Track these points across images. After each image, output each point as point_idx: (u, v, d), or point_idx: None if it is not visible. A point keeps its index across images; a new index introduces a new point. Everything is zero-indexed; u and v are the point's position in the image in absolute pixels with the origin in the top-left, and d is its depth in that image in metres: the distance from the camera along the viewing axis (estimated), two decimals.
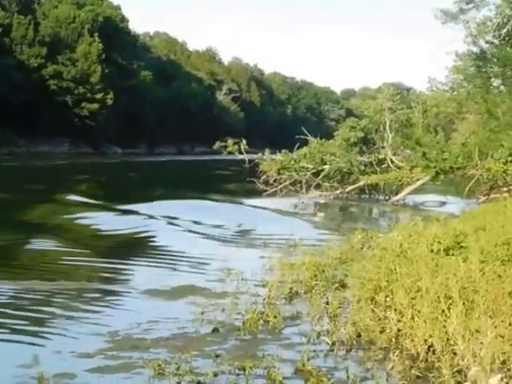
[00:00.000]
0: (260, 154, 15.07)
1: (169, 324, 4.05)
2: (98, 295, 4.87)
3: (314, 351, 3.51)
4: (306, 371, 3.23)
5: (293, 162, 14.50)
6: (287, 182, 14.42)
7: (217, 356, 3.43)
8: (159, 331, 3.90)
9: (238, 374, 3.17)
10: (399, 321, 3.64)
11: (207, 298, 4.64)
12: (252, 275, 5.41)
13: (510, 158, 12.13)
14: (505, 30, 13.52)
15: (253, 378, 3.14)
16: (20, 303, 4.56)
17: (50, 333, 3.93)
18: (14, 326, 4.05)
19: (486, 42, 14.82)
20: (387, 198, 14.05)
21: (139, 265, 6.25)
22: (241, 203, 12.98)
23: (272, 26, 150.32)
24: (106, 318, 4.24)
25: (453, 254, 4.04)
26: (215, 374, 3.14)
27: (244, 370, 3.18)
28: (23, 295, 4.79)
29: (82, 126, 39.24)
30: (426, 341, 3.38)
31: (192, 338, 3.78)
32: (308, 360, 3.32)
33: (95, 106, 39.95)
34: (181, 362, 3.23)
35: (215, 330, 3.93)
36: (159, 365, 3.18)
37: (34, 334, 3.90)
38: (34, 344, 3.72)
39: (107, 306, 4.56)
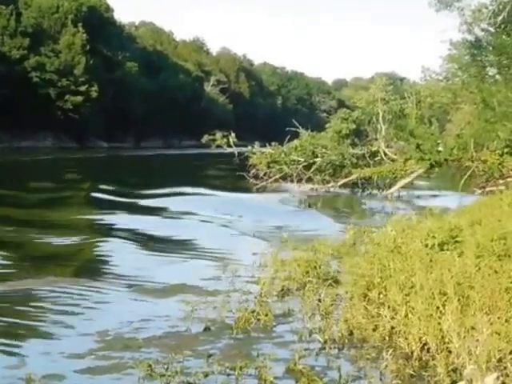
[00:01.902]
0: (250, 147, 14.86)
1: (160, 323, 3.98)
2: (87, 293, 4.76)
3: (306, 350, 3.46)
4: (297, 370, 3.18)
5: (283, 155, 14.37)
6: (277, 176, 14.27)
7: (209, 356, 3.37)
8: (150, 330, 3.83)
9: (228, 374, 3.11)
10: (393, 318, 3.59)
11: (199, 296, 4.57)
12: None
13: (506, 150, 12.06)
14: (500, 18, 13.39)
15: (244, 378, 3.09)
16: (7, 302, 4.45)
17: (39, 333, 3.84)
18: (0, 327, 3.94)
19: (482, 30, 14.68)
20: (381, 191, 13.99)
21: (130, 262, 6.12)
22: None
23: (261, 15, 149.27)
24: (97, 317, 4.15)
25: (448, 249, 3.99)
26: (206, 375, 3.07)
27: (234, 370, 3.12)
28: (11, 294, 4.67)
29: (66, 120, 38.58)
30: (420, 339, 3.33)
31: (184, 337, 3.72)
32: (299, 359, 3.26)
33: (79, 98, 39.28)
34: (172, 362, 3.16)
35: (207, 329, 3.87)
36: (149, 365, 3.11)
37: (22, 334, 3.81)
38: (22, 344, 3.64)
39: (97, 304, 4.46)
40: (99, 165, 27.13)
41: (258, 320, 3.94)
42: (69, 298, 4.57)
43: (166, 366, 3.07)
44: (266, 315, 3.99)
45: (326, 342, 3.56)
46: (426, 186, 15.04)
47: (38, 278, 5.16)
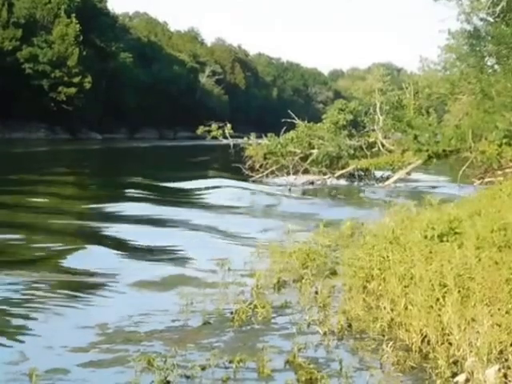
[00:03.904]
0: (245, 139, 14.72)
1: (160, 316, 3.96)
2: (86, 287, 4.73)
3: (305, 342, 3.43)
4: (296, 363, 3.15)
5: (279, 146, 14.24)
6: (274, 168, 14.17)
7: (209, 349, 3.34)
8: (151, 324, 3.82)
9: (227, 367, 3.09)
10: (392, 310, 3.56)
11: (197, 289, 4.54)
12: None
13: (504, 140, 11.93)
14: (499, 7, 13.28)
15: (242, 371, 3.06)
16: (6, 296, 4.40)
17: (40, 327, 3.81)
18: (0, 321, 3.91)
19: (480, 20, 14.60)
20: (378, 182, 13.92)
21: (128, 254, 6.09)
22: None
23: (256, 5, 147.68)
24: (97, 310, 4.12)
25: (447, 240, 3.95)
26: (204, 368, 3.05)
27: (233, 362, 3.09)
28: (9, 288, 4.62)
29: (59, 111, 38.32)
30: (420, 330, 3.30)
31: (183, 330, 3.71)
32: (298, 351, 3.24)
33: (72, 90, 38.99)
34: (171, 356, 3.15)
35: (205, 323, 3.84)
36: (149, 360, 3.09)
37: (23, 329, 3.78)
38: (23, 339, 3.60)
39: (97, 298, 4.44)
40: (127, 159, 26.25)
41: (256, 312, 3.91)
42: (67, 292, 4.54)
43: (164, 360, 3.05)
44: (264, 307, 3.96)
45: (324, 333, 3.54)
46: (425, 177, 14.99)
47: (34, 270, 5.11)
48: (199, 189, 12.23)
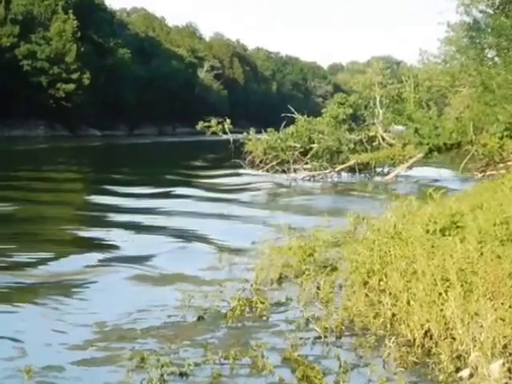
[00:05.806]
0: (245, 134, 14.65)
1: (157, 313, 3.94)
2: (83, 282, 4.70)
3: (304, 338, 3.41)
4: (294, 359, 3.12)
5: (279, 141, 14.16)
6: (274, 162, 14.12)
7: (203, 346, 3.31)
8: (148, 321, 3.79)
9: (222, 364, 3.06)
10: (394, 305, 3.52)
11: (195, 285, 4.51)
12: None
13: (506, 133, 11.86)
14: None
15: (239, 367, 3.04)
16: (4, 294, 4.39)
17: (38, 324, 3.80)
18: None
19: (480, 12, 14.49)
20: (379, 176, 13.90)
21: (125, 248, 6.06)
22: None
23: (256, 5, 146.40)
24: (95, 307, 4.10)
25: (449, 235, 3.91)
26: (199, 364, 3.03)
27: (228, 359, 3.07)
28: (5, 284, 4.61)
29: (58, 108, 38.22)
30: (422, 326, 3.27)
31: (180, 327, 3.68)
32: (297, 347, 3.22)
33: (71, 86, 38.85)
34: (166, 353, 3.13)
35: (202, 319, 3.81)
36: (142, 357, 3.07)
37: (21, 326, 3.75)
38: (21, 336, 3.57)
39: (94, 294, 4.42)
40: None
41: (255, 309, 3.89)
42: (64, 288, 4.52)
43: (157, 358, 3.03)
44: (263, 303, 3.93)
45: (325, 330, 3.50)
46: (426, 170, 14.94)
47: (34, 266, 5.09)
48: None
